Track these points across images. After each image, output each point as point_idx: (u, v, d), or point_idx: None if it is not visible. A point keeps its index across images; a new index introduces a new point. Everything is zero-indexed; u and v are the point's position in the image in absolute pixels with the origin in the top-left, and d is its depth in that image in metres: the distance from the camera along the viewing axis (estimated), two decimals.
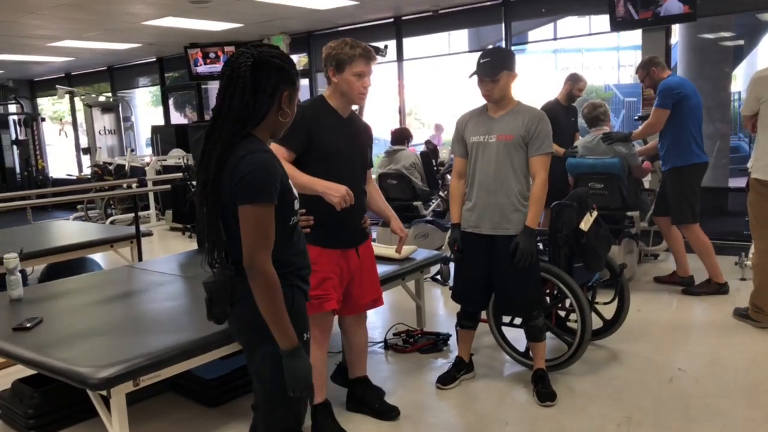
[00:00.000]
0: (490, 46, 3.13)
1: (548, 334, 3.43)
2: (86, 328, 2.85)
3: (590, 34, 7.92)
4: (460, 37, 9.23)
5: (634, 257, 5.16)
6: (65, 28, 7.78)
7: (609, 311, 3.68)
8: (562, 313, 3.67)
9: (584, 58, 16.00)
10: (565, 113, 5.46)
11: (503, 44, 7.52)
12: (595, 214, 3.43)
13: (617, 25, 6.37)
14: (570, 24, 7.93)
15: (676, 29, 7.69)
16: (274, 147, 2.57)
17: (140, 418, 2.98)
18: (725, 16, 7.65)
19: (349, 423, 2.87)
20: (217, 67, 10.19)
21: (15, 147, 12.11)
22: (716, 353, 3.60)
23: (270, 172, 1.72)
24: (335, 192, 2.50)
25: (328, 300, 2.66)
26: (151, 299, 3.40)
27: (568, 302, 3.45)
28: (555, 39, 8.45)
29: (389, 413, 2.95)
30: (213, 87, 11.23)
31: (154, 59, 10.91)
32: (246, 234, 1.70)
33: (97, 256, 5.89)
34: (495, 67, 2.91)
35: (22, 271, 5.28)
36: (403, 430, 2.86)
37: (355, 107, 2.86)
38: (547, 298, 3.45)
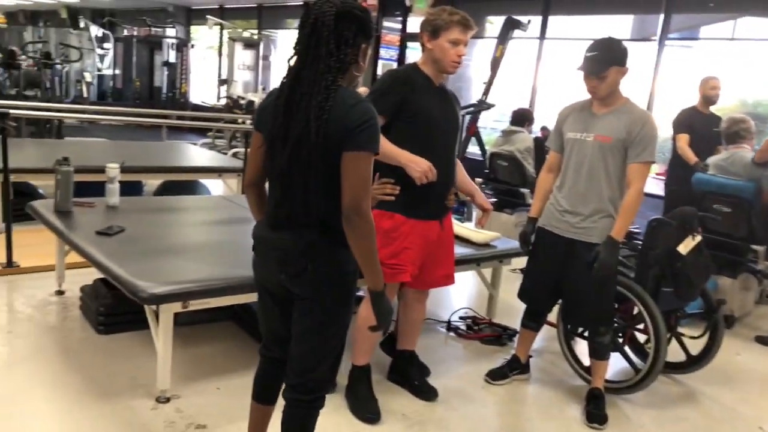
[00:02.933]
0: (600, 38, 2.83)
1: (616, 355, 3.21)
2: (161, 245, 3.00)
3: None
4: (623, 23, 8.52)
5: (752, 296, 4.66)
6: None
7: (697, 346, 3.35)
8: (643, 337, 3.39)
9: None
10: (702, 121, 4.96)
11: (658, 37, 6.92)
12: (698, 238, 3.10)
13: None
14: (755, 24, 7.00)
15: None
16: None
17: (193, 339, 3.13)
18: None
19: (384, 393, 2.84)
20: None
21: (165, 68, 13.01)
22: None
23: (378, 123, 1.74)
24: (417, 166, 2.45)
25: (402, 271, 2.61)
26: (232, 231, 3.50)
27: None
28: (731, 39, 7.48)
29: (426, 393, 2.89)
30: None
31: (302, 2, 11.18)
32: (356, 180, 1.69)
33: (211, 183, 6.20)
34: (602, 62, 2.66)
35: (138, 183, 5.73)
36: (435, 413, 2.78)
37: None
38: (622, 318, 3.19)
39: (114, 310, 3.06)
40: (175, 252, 2.92)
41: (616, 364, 3.34)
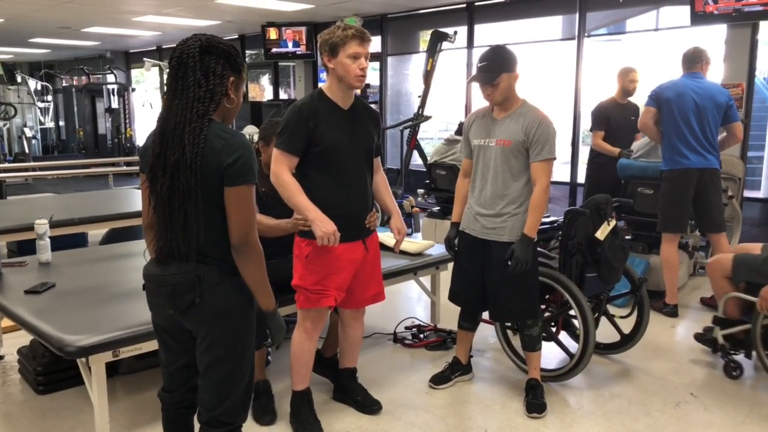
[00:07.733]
0: (488, 47, 2.97)
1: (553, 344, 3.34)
2: (92, 297, 3.00)
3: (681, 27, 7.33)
4: (552, 24, 8.79)
5: (684, 269, 4.86)
6: (146, 4, 8.19)
7: (629, 325, 3.50)
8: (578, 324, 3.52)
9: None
10: (620, 111, 5.15)
11: (576, 35, 7.17)
12: (613, 223, 3.26)
13: (697, 19, 5.92)
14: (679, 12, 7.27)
15: None
16: (276, 153, 2.57)
17: (138, 386, 3.14)
18: None
19: (329, 413, 2.91)
20: (294, 48, 10.38)
21: (108, 115, 12.91)
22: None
23: (254, 153, 1.80)
24: (323, 225, 2.47)
25: (326, 297, 2.67)
26: None
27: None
28: (656, 30, 7.83)
29: (371, 407, 2.96)
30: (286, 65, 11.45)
31: (236, 36, 11.25)
32: (242, 213, 1.76)
33: None
34: (492, 71, 2.80)
35: (82, 234, 5.69)
36: (379, 426, 2.85)
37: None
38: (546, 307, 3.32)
39: (52, 368, 3.05)
40: (106, 301, 2.93)
41: (555, 353, 3.48)
